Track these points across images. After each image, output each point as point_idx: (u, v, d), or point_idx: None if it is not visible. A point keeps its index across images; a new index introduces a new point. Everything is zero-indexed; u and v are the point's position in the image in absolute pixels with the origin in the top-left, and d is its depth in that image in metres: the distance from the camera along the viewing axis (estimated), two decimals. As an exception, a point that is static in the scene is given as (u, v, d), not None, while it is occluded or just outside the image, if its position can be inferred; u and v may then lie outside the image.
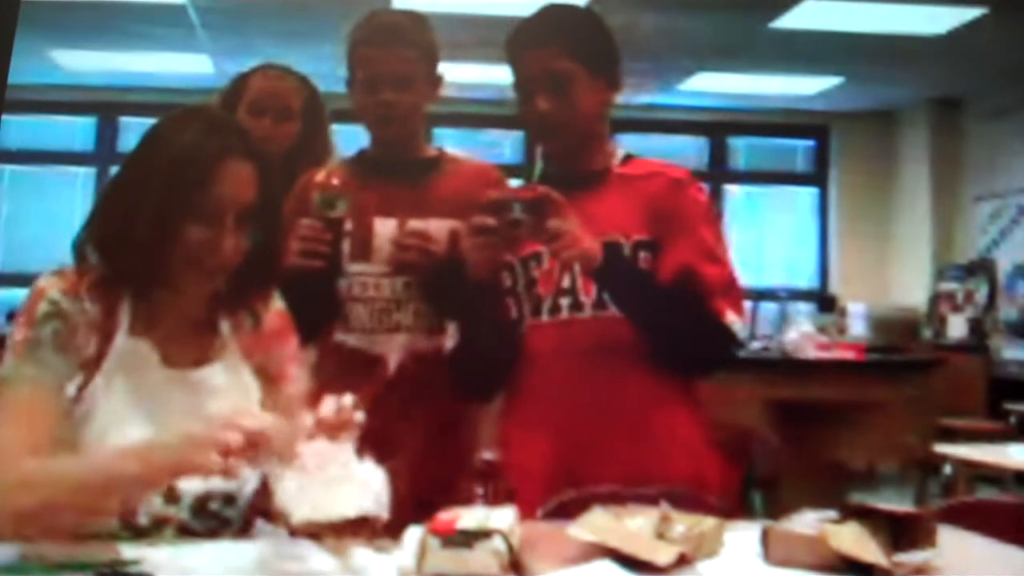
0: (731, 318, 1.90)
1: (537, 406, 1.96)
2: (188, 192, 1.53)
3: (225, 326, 1.68)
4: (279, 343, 1.73)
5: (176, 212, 1.53)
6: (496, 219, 1.83)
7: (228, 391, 1.64)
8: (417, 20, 2.28)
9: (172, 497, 1.55)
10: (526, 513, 1.60)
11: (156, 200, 1.53)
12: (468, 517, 1.42)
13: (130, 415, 1.56)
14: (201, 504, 1.58)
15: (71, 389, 1.53)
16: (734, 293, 1.93)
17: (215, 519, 1.60)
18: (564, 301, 1.95)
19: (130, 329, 1.59)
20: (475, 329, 1.98)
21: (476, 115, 8.16)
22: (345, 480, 1.40)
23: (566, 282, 1.95)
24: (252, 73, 2.78)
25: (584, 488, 1.83)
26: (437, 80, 2.29)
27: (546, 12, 2.03)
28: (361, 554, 1.42)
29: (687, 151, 8.72)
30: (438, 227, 2.18)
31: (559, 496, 1.87)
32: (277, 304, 1.75)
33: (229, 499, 1.60)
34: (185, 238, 1.54)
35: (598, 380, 1.91)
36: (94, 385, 1.55)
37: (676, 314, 1.89)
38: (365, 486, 1.40)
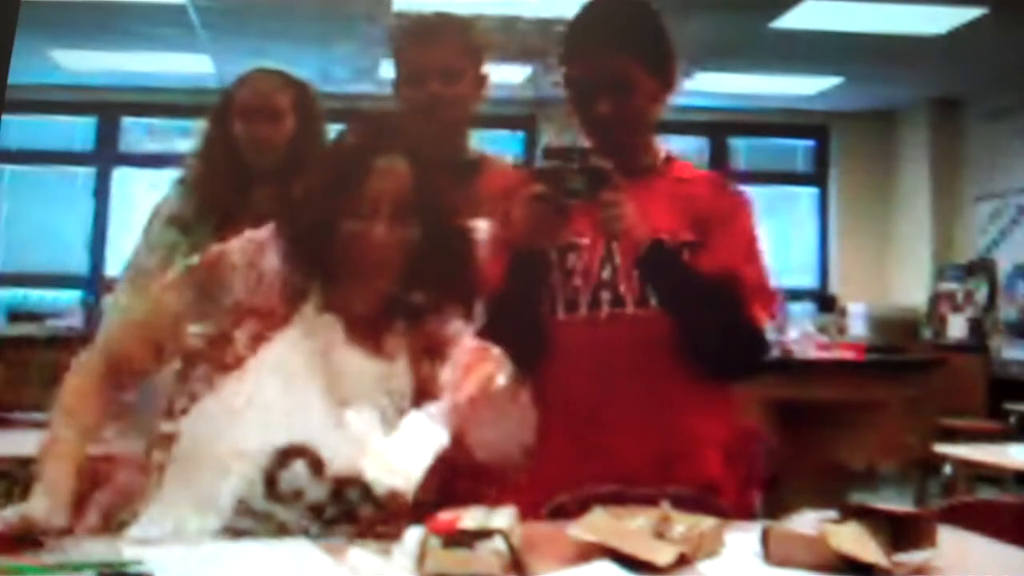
0: (765, 323, 1.89)
1: (569, 404, 1.91)
2: (344, 190, 1.63)
3: (402, 351, 1.70)
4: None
5: (333, 210, 1.63)
6: (552, 188, 1.80)
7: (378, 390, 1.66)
8: (462, 20, 2.37)
9: (317, 468, 1.58)
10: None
11: (318, 202, 1.65)
12: (469, 517, 1.42)
13: (305, 377, 1.63)
14: (340, 486, 1.58)
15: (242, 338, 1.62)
16: (768, 297, 1.93)
17: (345, 505, 1.58)
18: (605, 295, 1.91)
19: (319, 306, 1.67)
20: (506, 307, 1.91)
21: (476, 115, 8.13)
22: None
23: (606, 274, 1.91)
24: (238, 82, 2.78)
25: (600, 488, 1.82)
26: (482, 79, 2.35)
27: (604, 9, 1.97)
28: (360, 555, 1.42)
29: (687, 151, 8.72)
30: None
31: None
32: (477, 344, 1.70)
33: (366, 490, 1.58)
34: (342, 232, 1.62)
35: (635, 379, 1.88)
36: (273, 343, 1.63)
37: (715, 313, 1.86)
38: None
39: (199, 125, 2.78)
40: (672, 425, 1.90)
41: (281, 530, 1.56)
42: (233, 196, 2.59)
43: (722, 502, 1.87)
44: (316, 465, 1.58)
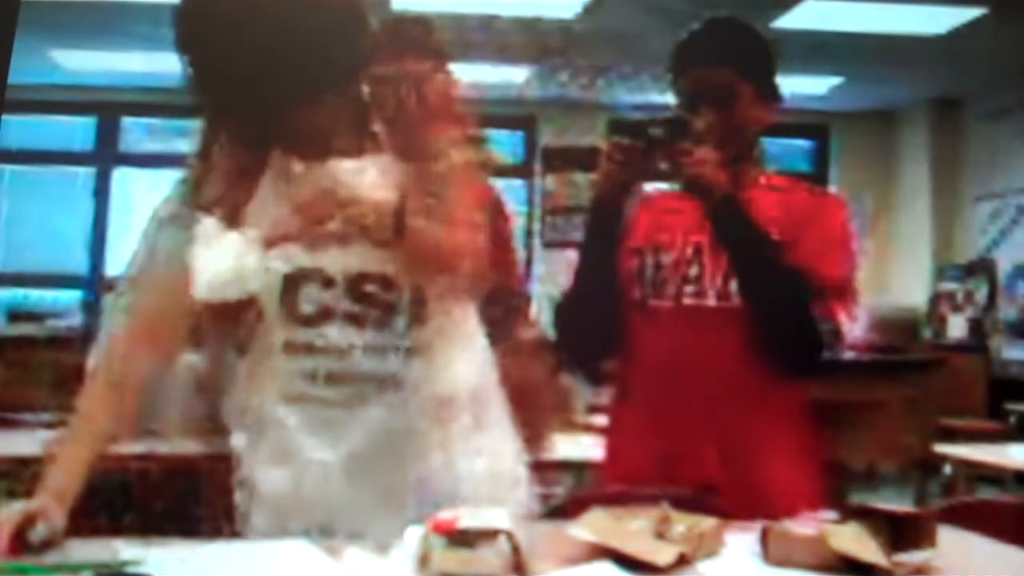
0: (841, 318, 1.89)
1: (645, 396, 1.98)
2: None
3: (379, 127, 1.66)
4: (433, 125, 1.67)
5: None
6: (634, 140, 1.87)
7: (361, 175, 1.62)
8: (419, 24, 2.36)
9: (326, 281, 1.61)
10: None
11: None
12: (468, 517, 1.41)
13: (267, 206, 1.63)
14: (355, 287, 1.61)
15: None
16: (848, 296, 1.93)
17: (376, 304, 1.61)
18: (688, 288, 1.96)
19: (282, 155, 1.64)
20: (585, 255, 2.01)
21: (476, 115, 8.14)
22: None
23: (694, 271, 1.97)
24: None
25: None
26: None
27: (713, 28, 2.06)
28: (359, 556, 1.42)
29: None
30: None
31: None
32: (441, 80, 1.75)
33: (386, 282, 1.61)
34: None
35: (709, 375, 1.92)
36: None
37: (784, 287, 1.88)
38: None
39: (199, 125, 2.80)
40: (742, 430, 1.92)
41: (342, 357, 1.60)
42: None
43: (721, 502, 1.88)
44: (325, 280, 1.61)
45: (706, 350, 1.93)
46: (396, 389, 1.62)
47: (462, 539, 1.37)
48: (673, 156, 1.86)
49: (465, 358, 1.70)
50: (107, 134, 8.60)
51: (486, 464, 1.69)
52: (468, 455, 1.67)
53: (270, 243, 1.59)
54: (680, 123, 1.88)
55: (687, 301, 1.96)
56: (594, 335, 2.05)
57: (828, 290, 1.90)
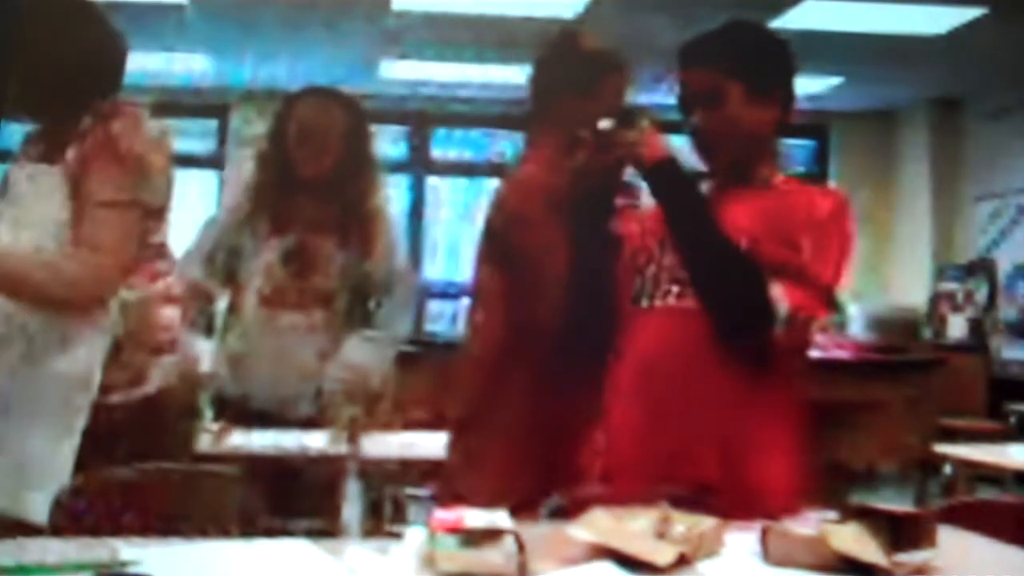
0: (777, 296, 1.88)
1: (643, 395, 2.00)
2: None
3: (72, 152, 2.09)
4: (106, 167, 2.09)
5: None
6: (590, 132, 1.96)
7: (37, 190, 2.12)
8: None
9: None
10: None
11: None
12: (471, 517, 1.41)
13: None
14: None
15: None
16: (804, 284, 1.92)
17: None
18: (675, 288, 1.98)
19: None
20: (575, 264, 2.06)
21: (476, 115, 8.15)
22: None
23: (683, 275, 1.98)
24: (300, 98, 3.04)
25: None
26: None
27: (717, 30, 2.08)
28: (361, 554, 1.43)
29: (685, 151, 8.69)
30: None
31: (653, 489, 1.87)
32: (143, 134, 2.23)
33: None
34: None
35: (706, 375, 1.93)
36: None
37: (720, 254, 1.91)
38: None
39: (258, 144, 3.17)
40: (724, 425, 1.93)
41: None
42: (282, 202, 2.99)
43: (721, 502, 1.88)
44: None
45: (702, 350, 1.93)
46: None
47: (468, 539, 1.36)
48: (619, 146, 1.94)
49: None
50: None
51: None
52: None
53: None
54: (628, 115, 1.95)
55: (682, 302, 1.97)
56: (590, 334, 2.06)
57: (774, 267, 1.89)
